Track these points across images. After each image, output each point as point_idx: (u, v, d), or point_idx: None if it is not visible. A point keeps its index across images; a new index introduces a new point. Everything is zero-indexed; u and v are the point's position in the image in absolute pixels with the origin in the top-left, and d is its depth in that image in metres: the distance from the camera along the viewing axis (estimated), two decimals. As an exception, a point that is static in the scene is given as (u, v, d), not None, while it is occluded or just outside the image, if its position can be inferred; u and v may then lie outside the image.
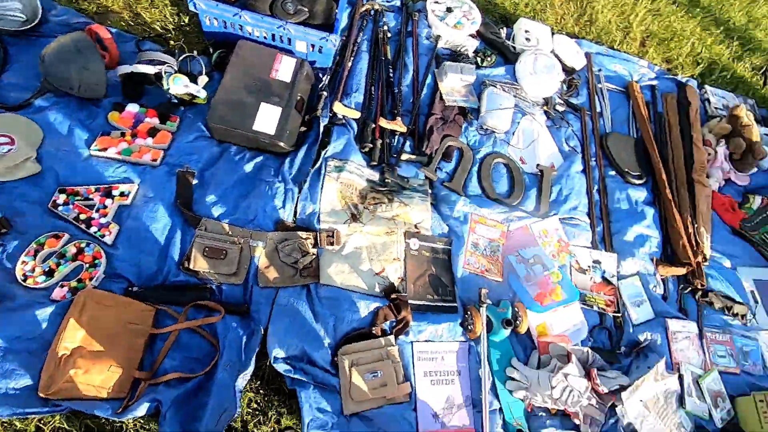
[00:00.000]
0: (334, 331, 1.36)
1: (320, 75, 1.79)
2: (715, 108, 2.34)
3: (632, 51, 2.47)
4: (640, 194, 1.94)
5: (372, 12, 2.05)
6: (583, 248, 1.77)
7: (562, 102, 2.13)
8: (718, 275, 1.85)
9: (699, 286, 1.78)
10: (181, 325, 1.23)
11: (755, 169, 2.17)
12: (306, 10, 1.67)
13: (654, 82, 2.37)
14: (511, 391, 1.42)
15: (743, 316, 1.77)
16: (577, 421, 1.41)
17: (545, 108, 2.08)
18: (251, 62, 1.61)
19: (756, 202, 2.07)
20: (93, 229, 1.30)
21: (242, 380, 1.20)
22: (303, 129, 1.65)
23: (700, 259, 1.82)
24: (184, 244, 1.37)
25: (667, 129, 2.20)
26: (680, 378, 1.56)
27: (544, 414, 1.43)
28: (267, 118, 1.53)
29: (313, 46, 1.70)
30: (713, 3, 2.85)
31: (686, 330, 1.67)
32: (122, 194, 1.37)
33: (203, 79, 1.58)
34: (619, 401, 1.44)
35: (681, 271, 1.79)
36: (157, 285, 1.31)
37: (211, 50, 1.68)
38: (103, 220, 1.32)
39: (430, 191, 1.70)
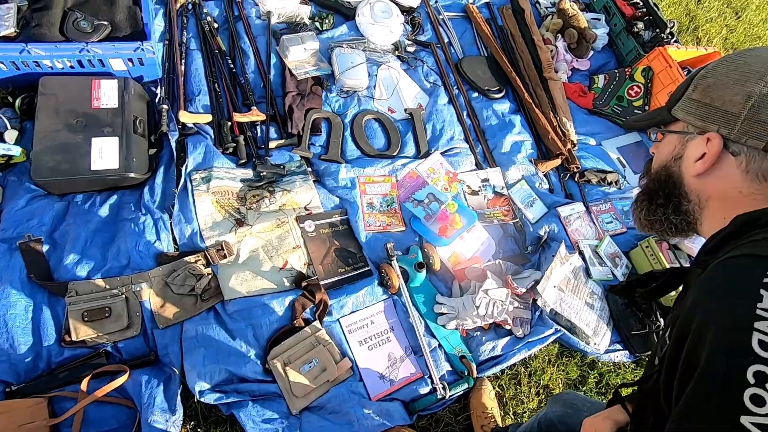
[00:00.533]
0: (257, 340, 1.31)
1: (153, 88, 1.64)
2: (546, 8, 2.51)
3: (460, -25, 2.55)
4: (504, 106, 2.06)
5: (189, 6, 1.90)
6: (470, 172, 1.86)
7: (411, 42, 2.16)
8: (587, 154, 2.04)
9: (575, 170, 1.96)
10: (84, 402, 1.11)
11: (592, 52, 2.38)
12: (105, 23, 1.50)
13: (487, 0, 2.48)
14: (443, 326, 1.48)
15: (616, 182, 1.99)
16: (508, 327, 1.52)
17: (397, 53, 2.09)
18: (64, 98, 1.42)
19: (600, 80, 2.29)
20: (-66, 344, 1.11)
21: (175, 429, 1.13)
22: (153, 151, 1.51)
23: (569, 146, 2.00)
24: (58, 319, 1.22)
25: (511, 39, 2.33)
26: (581, 254, 1.74)
27: (478, 333, 1.52)
28: (105, 153, 1.38)
29: (131, 60, 1.54)
30: None
31: (575, 211, 1.84)
32: (-44, 293, 1.17)
33: (12, 134, 1.37)
34: (537, 294, 1.57)
35: (557, 162, 1.95)
36: (42, 373, 1.16)
37: (10, 99, 1.46)
38: (-58, 330, 1.13)
39: (309, 170, 1.66)
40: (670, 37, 2.35)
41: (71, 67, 1.49)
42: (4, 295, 1.19)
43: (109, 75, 1.54)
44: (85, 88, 1.46)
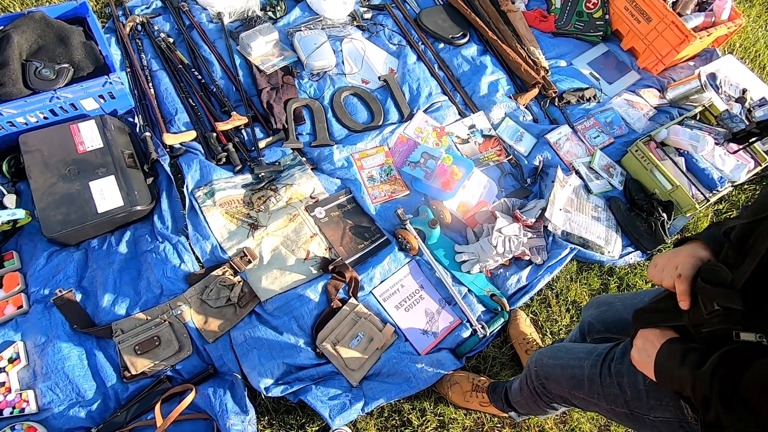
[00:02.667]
0: (302, 329, 1.38)
1: (130, 119, 1.63)
2: (487, -60, 2.47)
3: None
4: (471, 50, 2.07)
5: (138, 27, 1.85)
6: (456, 123, 1.89)
7: (366, 8, 2.13)
8: (561, 77, 2.08)
9: (553, 94, 2.00)
10: (163, 426, 1.18)
11: (543, -26, 2.37)
12: (66, 65, 1.47)
13: (428, -54, 2.43)
14: (468, 272, 1.56)
15: (594, 97, 2.04)
16: (527, 257, 1.60)
17: (355, 23, 2.08)
18: (49, 151, 1.42)
19: (557, 1, 2.29)
20: (7, 411, 1.16)
21: (251, 427, 1.21)
22: (150, 180, 1.52)
23: (543, 73, 2.03)
24: (113, 359, 1.27)
25: (461, -19, 2.31)
26: (577, 173, 1.80)
27: (501, 270, 1.60)
28: (107, 194, 1.39)
29: (101, 96, 1.52)
30: None
31: (563, 134, 1.90)
32: (11, 360, 1.21)
33: (11, 199, 1.38)
34: (546, 221, 1.65)
35: (534, 92, 1.99)
36: (115, 411, 1.22)
37: (-4, 165, 1.45)
38: (10, 397, 1.17)
39: (304, 159, 1.69)
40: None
41: (45, 118, 1.47)
42: (56, 351, 1.23)
43: (84, 117, 1.53)
44: (66, 135, 1.45)
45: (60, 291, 1.32)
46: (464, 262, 1.57)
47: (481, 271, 1.57)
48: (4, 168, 1.43)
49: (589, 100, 2.02)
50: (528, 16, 2.23)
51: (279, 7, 2.01)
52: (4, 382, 1.18)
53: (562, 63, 2.14)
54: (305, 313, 1.39)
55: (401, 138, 1.80)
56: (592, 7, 2.20)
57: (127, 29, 1.80)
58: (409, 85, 1.94)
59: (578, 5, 2.23)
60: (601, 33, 2.20)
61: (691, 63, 2.24)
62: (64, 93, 1.43)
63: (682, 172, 1.78)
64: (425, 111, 1.88)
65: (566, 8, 2.25)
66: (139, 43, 1.79)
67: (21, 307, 1.28)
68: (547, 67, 2.07)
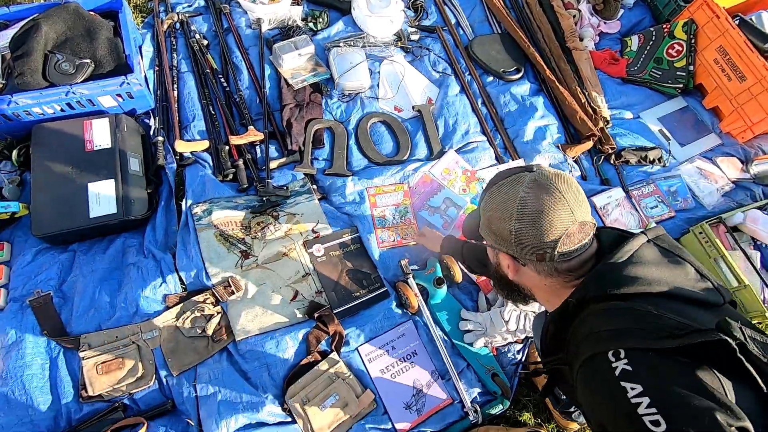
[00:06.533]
0: (272, 379, 1.25)
1: (146, 120, 1.58)
2: (564, -34, 2.23)
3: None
4: (523, 88, 1.86)
5: (177, 25, 1.82)
6: (490, 168, 1.69)
7: (415, 29, 1.98)
8: (623, 131, 1.81)
9: (610, 150, 1.74)
10: (104, 460, 1.10)
11: (622, 11, 2.10)
12: (88, 61, 1.44)
13: (497, -33, 2.23)
14: (471, 345, 1.36)
15: (659, 159, 1.75)
16: (543, 341, 1.38)
17: (400, 44, 1.93)
18: (58, 145, 1.39)
19: (634, 43, 2.01)
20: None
21: (195, 481, 1.10)
22: (151, 188, 1.46)
23: (601, 124, 1.78)
24: (74, 373, 1.21)
25: (527, 9, 2.09)
26: (623, 249, 1.54)
27: (510, 349, 1.39)
28: (103, 198, 1.35)
29: (119, 95, 1.48)
30: None
31: (613, 198, 1.64)
32: (-27, 359, 1.18)
33: (10, 190, 1.36)
34: (574, 302, 1.41)
35: (588, 145, 1.74)
36: None
37: (6, 152, 1.45)
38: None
39: (314, 187, 1.56)
40: (714, -21, 2.03)
41: (61, 110, 1.45)
42: (19, 356, 1.19)
43: (100, 113, 1.50)
44: (78, 131, 1.42)
45: (38, 292, 1.28)
46: (469, 332, 1.38)
47: (486, 346, 1.37)
48: (14, 156, 1.42)
49: (652, 162, 1.75)
50: (596, 56, 1.97)
51: (321, 19, 1.91)
52: (-42, 383, 1.15)
53: (628, 115, 1.87)
54: (279, 361, 1.27)
55: (425, 178, 1.63)
56: (675, 54, 1.91)
57: (165, 26, 1.76)
58: (446, 119, 1.76)
59: (658, 50, 1.94)
60: (682, 85, 1.90)
61: (788, 133, 1.89)
62: (80, 89, 1.39)
63: (755, 269, 1.47)
64: (458, 150, 1.70)
65: (644, 52, 1.97)
66: (174, 42, 1.75)
67: (-3, 304, 1.26)
68: (608, 118, 1.82)
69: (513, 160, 1.72)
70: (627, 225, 1.61)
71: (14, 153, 1.42)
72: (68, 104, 1.44)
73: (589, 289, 0.70)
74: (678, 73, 1.90)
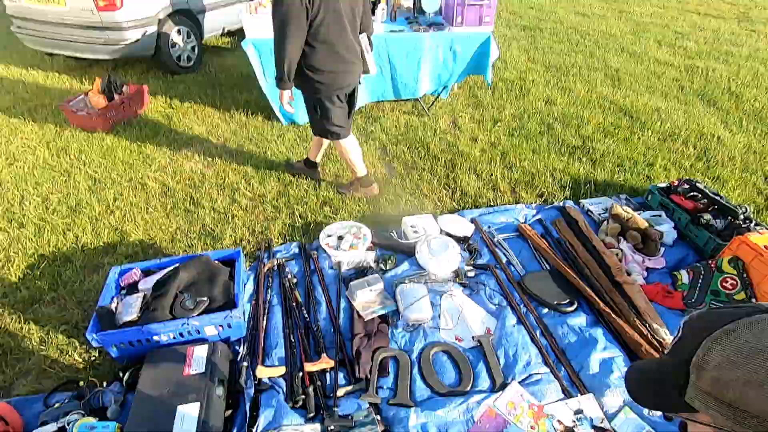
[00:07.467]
0: None
1: (236, 347, 1.82)
2: (599, 215, 2.60)
3: (508, 201, 2.83)
4: (579, 320, 1.94)
5: (275, 268, 2.27)
6: (558, 402, 1.63)
7: (471, 267, 2.27)
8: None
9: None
10: None
11: (662, 249, 2.30)
12: (205, 299, 1.81)
13: (539, 216, 2.65)
14: None
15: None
16: None
17: (458, 280, 2.20)
18: (163, 368, 1.62)
19: (684, 276, 2.12)
20: None
21: None
22: (228, 413, 1.57)
23: (672, 358, 1.72)
24: None
25: (571, 249, 2.36)
26: None
27: None
28: (186, 421, 1.46)
29: (221, 325, 1.78)
30: (552, 133, 3.48)
31: (712, 448, 1.44)
32: None
33: (115, 411, 1.54)
34: None
35: (663, 380, 1.66)
36: None
37: (121, 374, 1.69)
38: None
39: (378, 418, 1.58)
40: (747, 222, 2.24)
41: (173, 338, 1.75)
42: None
43: (203, 340, 1.77)
44: (181, 356, 1.67)
45: None
46: None
47: None
48: (125, 378, 1.65)
49: (745, 402, 1.58)
50: (648, 290, 2.07)
51: (390, 261, 2.28)
52: None
53: (699, 348, 1.81)
54: None
55: (489, 411, 1.59)
56: (731, 288, 1.96)
57: (266, 268, 2.21)
58: (506, 349, 1.82)
59: (713, 284, 2.02)
60: (750, 317, 1.87)
61: None
62: (193, 321, 1.71)
63: None
64: (521, 382, 1.69)
65: (697, 285, 2.05)
66: (270, 282, 2.15)
67: None
68: (678, 351, 1.77)
69: (581, 394, 1.66)
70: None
71: (126, 375, 1.66)
72: (180, 333, 1.74)
73: None
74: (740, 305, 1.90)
